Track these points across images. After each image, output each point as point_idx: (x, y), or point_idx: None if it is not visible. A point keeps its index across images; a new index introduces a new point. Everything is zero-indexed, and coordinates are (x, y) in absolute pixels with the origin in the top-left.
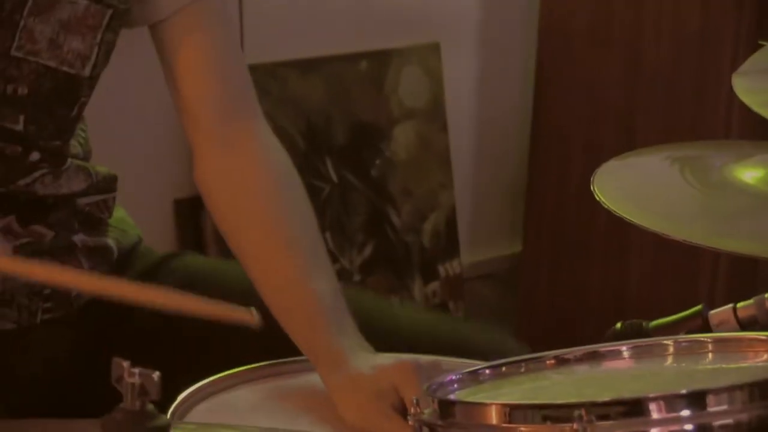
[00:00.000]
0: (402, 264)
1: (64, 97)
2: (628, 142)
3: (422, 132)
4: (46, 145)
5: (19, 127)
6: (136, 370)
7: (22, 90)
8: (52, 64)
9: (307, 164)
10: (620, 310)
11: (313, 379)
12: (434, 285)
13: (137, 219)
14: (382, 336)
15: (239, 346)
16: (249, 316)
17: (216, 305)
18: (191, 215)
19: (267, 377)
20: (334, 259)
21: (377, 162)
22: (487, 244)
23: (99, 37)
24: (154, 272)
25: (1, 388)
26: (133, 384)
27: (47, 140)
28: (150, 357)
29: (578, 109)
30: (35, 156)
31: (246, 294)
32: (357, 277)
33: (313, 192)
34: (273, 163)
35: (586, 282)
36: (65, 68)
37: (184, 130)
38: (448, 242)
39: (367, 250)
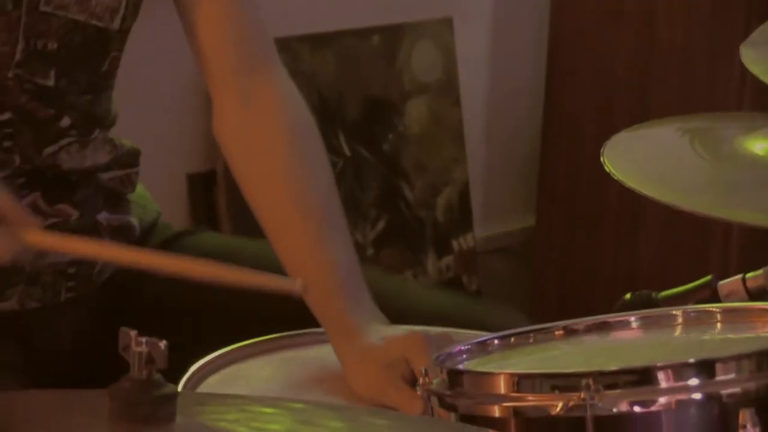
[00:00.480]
0: (415, 238)
1: (94, 50)
2: (641, 116)
3: (435, 107)
4: (76, 101)
5: (50, 82)
6: (143, 339)
7: (52, 45)
8: (80, 18)
9: None
10: (632, 283)
11: (326, 350)
12: (448, 259)
13: (151, 194)
14: (393, 315)
15: (252, 319)
16: (293, 286)
17: (260, 275)
18: (204, 190)
19: (279, 349)
20: None
21: (390, 136)
22: (501, 218)
23: None
24: (167, 249)
25: (27, 363)
26: (140, 353)
27: (78, 95)
28: (165, 329)
29: (591, 83)
30: (66, 121)
31: (260, 268)
32: (370, 251)
33: None
34: (291, 115)
35: (598, 255)
36: (94, 22)
37: (206, 84)
38: (462, 216)
39: (381, 225)
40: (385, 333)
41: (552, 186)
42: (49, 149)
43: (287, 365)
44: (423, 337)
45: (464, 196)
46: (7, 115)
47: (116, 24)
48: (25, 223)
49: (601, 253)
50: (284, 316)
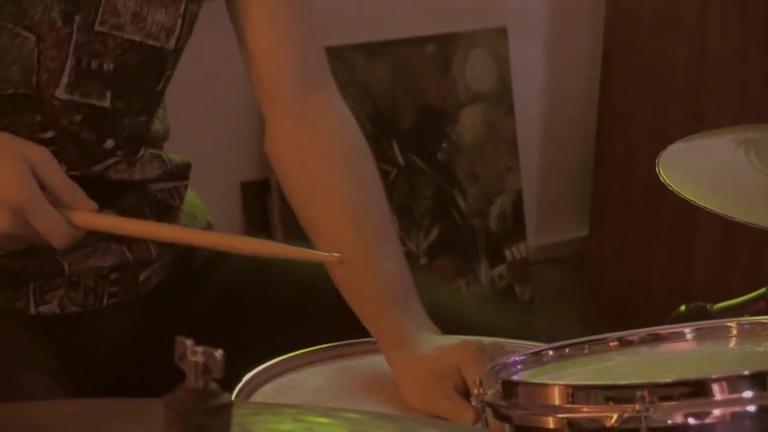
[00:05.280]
0: (468, 247)
1: (150, 70)
2: (695, 125)
3: (489, 116)
4: (131, 122)
5: (106, 103)
6: (200, 349)
7: (108, 66)
8: (136, 38)
9: (373, 147)
10: (686, 294)
11: (378, 360)
12: (500, 268)
13: (204, 202)
14: (444, 325)
15: (305, 328)
16: (331, 257)
17: (299, 249)
18: (258, 198)
19: (332, 358)
20: (401, 242)
21: (444, 145)
22: (554, 227)
23: (183, 7)
24: (217, 261)
25: (68, 368)
26: (196, 362)
27: (134, 116)
28: (215, 338)
29: (645, 93)
30: (110, 143)
31: (309, 288)
32: (423, 261)
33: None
34: (345, 137)
35: (652, 266)
36: (150, 41)
37: (258, 102)
38: (515, 226)
39: (434, 234)
40: (437, 343)
41: (606, 196)
42: (97, 167)
43: (340, 375)
44: (476, 347)
45: (517, 205)
46: (50, 134)
47: (172, 43)
48: (80, 206)
49: (656, 263)
50: (335, 326)
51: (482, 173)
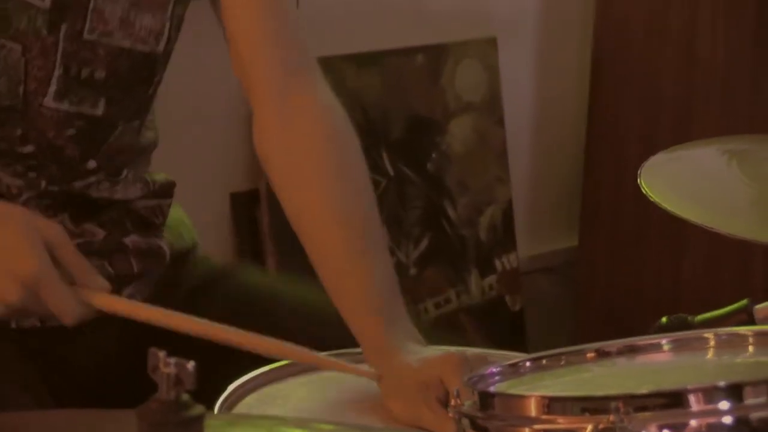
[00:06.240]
0: (458, 257)
1: (142, 75)
2: (684, 136)
3: (479, 126)
4: (124, 128)
5: (99, 111)
6: (172, 360)
7: (100, 73)
8: (126, 44)
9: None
10: (676, 304)
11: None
12: (491, 278)
13: (194, 213)
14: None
15: (287, 339)
16: (374, 376)
17: (346, 365)
18: (248, 209)
19: (315, 369)
20: (390, 252)
21: (433, 155)
22: (544, 237)
23: (170, 10)
24: (210, 287)
25: (49, 381)
26: (168, 374)
27: (128, 120)
28: (198, 350)
29: (634, 104)
30: (92, 164)
31: (303, 314)
32: (413, 271)
33: None
34: (331, 126)
35: (642, 275)
36: (140, 47)
37: (245, 94)
38: (505, 236)
39: (424, 244)
40: (421, 354)
41: (595, 206)
42: (77, 183)
43: (325, 385)
44: (459, 358)
45: (508, 215)
46: (29, 148)
47: (161, 47)
48: (93, 285)
49: (645, 273)
50: (323, 337)
51: (472, 183)
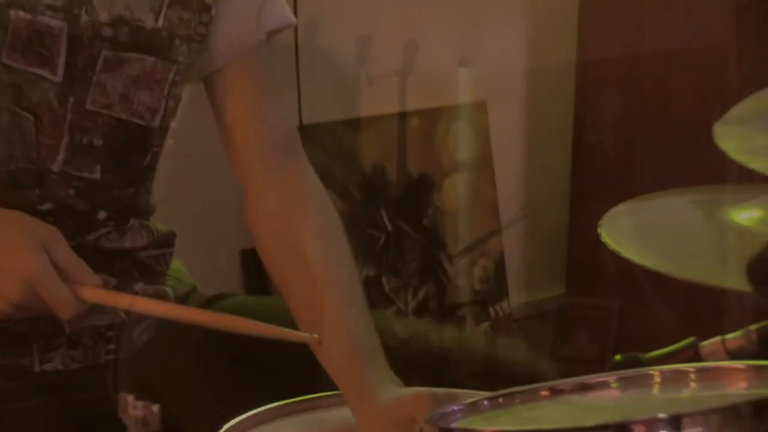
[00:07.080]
0: (454, 306)
1: (136, 146)
2: (661, 188)
3: (471, 183)
4: (120, 194)
5: (96, 175)
6: (139, 404)
7: (97, 141)
8: (124, 116)
9: (363, 214)
10: (656, 343)
11: (347, 412)
12: (485, 325)
13: (204, 270)
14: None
15: (279, 382)
16: (311, 339)
17: (283, 330)
18: (258, 266)
19: (305, 410)
20: (390, 302)
21: (429, 212)
22: (534, 286)
23: (166, 90)
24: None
25: (68, 424)
26: (135, 416)
27: (123, 188)
28: (199, 391)
29: (615, 159)
30: (102, 214)
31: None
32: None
33: (369, 240)
34: (314, 207)
35: (624, 318)
36: (136, 120)
37: (236, 176)
38: (498, 285)
39: (421, 293)
40: (395, 393)
41: (580, 257)
42: (90, 236)
43: (311, 425)
44: (427, 396)
45: (500, 266)
46: (48, 206)
47: (156, 122)
48: (86, 280)
49: (627, 315)
50: (309, 382)
51: (466, 236)
